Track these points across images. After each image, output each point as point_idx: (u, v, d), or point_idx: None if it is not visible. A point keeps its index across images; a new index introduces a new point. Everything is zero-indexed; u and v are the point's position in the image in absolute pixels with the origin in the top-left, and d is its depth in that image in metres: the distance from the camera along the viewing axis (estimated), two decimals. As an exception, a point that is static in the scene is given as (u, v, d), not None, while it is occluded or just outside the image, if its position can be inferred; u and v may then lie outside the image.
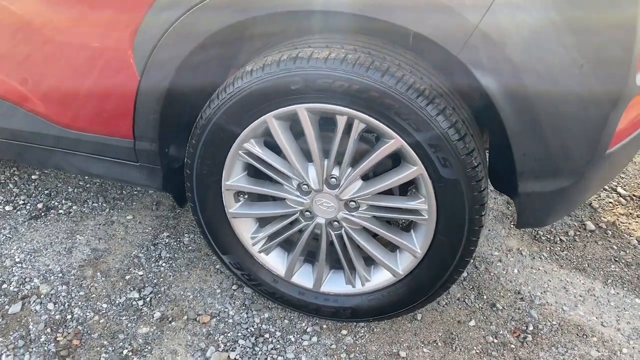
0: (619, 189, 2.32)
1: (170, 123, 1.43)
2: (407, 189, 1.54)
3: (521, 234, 2.01)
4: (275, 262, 1.56)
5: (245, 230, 1.53)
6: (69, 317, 1.56)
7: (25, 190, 2.06)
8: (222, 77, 1.44)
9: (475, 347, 1.56)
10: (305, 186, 1.40)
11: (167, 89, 1.34)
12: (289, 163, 1.38)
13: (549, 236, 2.03)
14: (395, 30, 1.17)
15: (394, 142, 1.26)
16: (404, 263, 1.44)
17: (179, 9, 1.24)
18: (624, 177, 2.42)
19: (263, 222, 1.54)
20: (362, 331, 1.58)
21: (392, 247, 1.47)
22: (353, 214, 1.41)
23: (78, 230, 1.87)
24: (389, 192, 1.40)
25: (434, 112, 1.21)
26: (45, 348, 1.46)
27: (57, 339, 1.49)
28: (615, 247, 2.00)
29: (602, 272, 1.88)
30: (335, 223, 1.44)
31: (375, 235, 1.49)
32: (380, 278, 1.49)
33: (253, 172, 1.47)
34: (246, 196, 1.50)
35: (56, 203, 2.00)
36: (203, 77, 1.37)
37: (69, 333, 1.51)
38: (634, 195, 2.30)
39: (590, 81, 1.13)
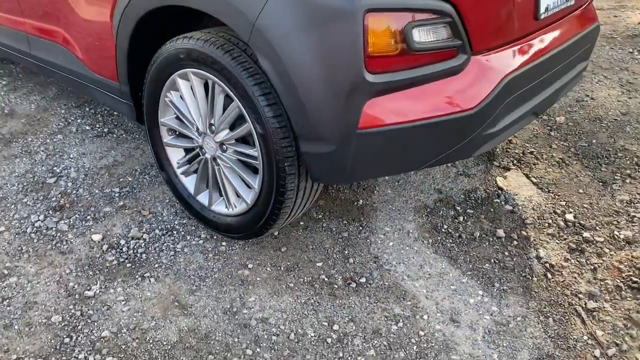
0: (567, 215, 2.49)
1: (136, 72, 2.24)
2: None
3: (424, 222, 2.40)
4: (190, 183, 2.28)
5: (175, 156, 2.29)
6: (74, 192, 2.50)
7: (104, 120, 3.09)
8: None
9: (305, 278, 2.09)
10: (200, 129, 2.10)
11: (127, 49, 2.16)
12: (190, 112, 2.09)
13: (451, 231, 2.37)
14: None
15: (235, 102, 1.89)
16: (251, 196, 2.05)
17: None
18: (586, 206, 2.55)
19: (186, 152, 2.27)
20: (236, 246, 2.22)
21: (250, 185, 2.08)
22: (224, 154, 2.07)
23: (115, 148, 2.83)
24: (246, 142, 2.01)
25: (251, 83, 1.82)
26: (50, 204, 2.42)
27: (60, 201, 2.44)
28: (506, 254, 2.26)
29: (471, 265, 2.19)
30: (217, 160, 2.11)
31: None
32: (242, 206, 2.11)
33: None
34: (177, 132, 2.25)
35: (116, 130, 2.99)
36: (148, 43, 2.15)
37: (67, 200, 2.45)
38: (579, 223, 2.45)
39: (330, 74, 1.64)
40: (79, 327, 1.87)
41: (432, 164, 1.89)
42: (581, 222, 2.45)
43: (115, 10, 2.12)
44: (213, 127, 2.04)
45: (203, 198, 2.25)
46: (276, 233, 2.28)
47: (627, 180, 2.73)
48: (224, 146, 2.05)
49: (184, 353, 1.79)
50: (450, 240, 2.31)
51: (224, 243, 2.24)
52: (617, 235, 2.36)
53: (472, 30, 1.74)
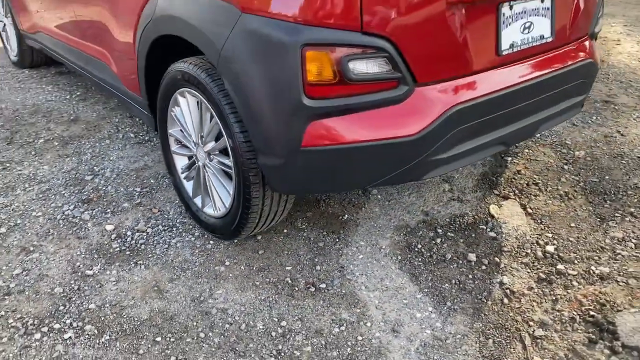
0: (549, 247, 2.55)
1: (152, 87, 2.63)
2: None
3: (399, 240, 2.56)
4: (190, 187, 2.62)
5: (180, 163, 2.64)
6: (103, 189, 2.94)
7: (148, 129, 3.55)
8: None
9: (272, 278, 2.34)
10: (194, 140, 2.44)
11: (145, 68, 2.55)
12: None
13: (423, 251, 2.52)
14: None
15: (214, 118, 2.21)
16: (228, 202, 2.34)
17: (148, 18, 2.42)
18: (572, 240, 2.59)
19: (188, 160, 2.62)
20: (222, 246, 2.52)
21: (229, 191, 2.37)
22: (211, 163, 2.39)
23: (148, 154, 3.25)
24: (227, 153, 2.32)
25: (224, 102, 2.12)
26: (82, 196, 2.86)
27: (90, 195, 2.88)
28: (470, 277, 2.38)
29: (430, 284, 2.34)
30: (206, 167, 2.43)
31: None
32: (222, 210, 2.41)
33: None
34: (181, 142, 2.61)
35: (155, 139, 3.43)
36: (160, 63, 2.52)
37: (96, 194, 2.88)
38: (557, 255, 2.50)
39: (276, 97, 1.91)
40: (73, 298, 2.25)
41: (379, 183, 2.09)
42: (560, 254, 2.49)
43: (137, 35, 2.53)
44: (203, 138, 2.36)
45: (198, 200, 2.57)
46: (259, 237, 2.56)
47: (627, 219, 2.71)
48: (211, 156, 2.37)
49: (148, 329, 2.11)
50: (419, 259, 2.46)
51: (211, 242, 2.55)
52: (592, 271, 2.39)
53: (413, 64, 1.93)
